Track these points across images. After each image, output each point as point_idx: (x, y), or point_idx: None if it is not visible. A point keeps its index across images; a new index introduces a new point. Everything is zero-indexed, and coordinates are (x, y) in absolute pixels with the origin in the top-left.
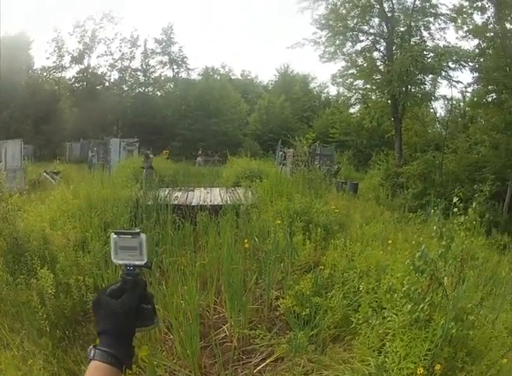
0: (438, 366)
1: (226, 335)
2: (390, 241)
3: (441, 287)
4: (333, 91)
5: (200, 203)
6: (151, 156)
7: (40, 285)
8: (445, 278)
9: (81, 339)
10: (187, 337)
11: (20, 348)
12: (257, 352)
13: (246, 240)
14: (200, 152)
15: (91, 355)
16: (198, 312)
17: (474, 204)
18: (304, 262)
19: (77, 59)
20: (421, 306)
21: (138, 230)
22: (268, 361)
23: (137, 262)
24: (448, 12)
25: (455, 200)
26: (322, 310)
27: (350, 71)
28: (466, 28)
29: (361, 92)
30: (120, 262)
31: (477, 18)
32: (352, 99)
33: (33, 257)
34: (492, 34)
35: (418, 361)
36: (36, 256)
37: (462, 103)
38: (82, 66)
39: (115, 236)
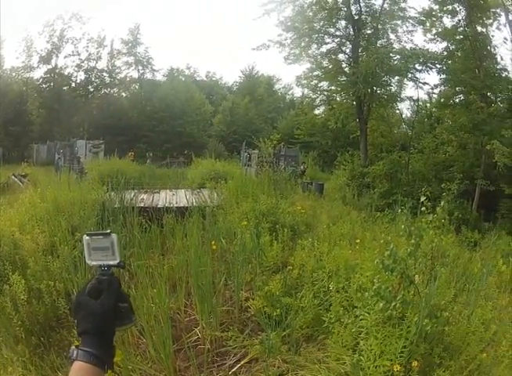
0: (414, 363)
1: (199, 338)
2: (358, 240)
3: (412, 285)
4: (297, 92)
5: (166, 205)
6: (82, 160)
7: (13, 291)
8: (416, 276)
9: (56, 346)
10: (160, 340)
11: None
12: (230, 353)
13: (213, 242)
14: (150, 154)
15: (74, 355)
16: (169, 315)
17: (443, 203)
18: (272, 262)
19: (45, 59)
20: (393, 304)
21: (108, 231)
22: (242, 362)
23: (111, 262)
24: (417, 16)
25: (423, 199)
26: (294, 310)
27: (315, 73)
28: (434, 31)
29: (326, 93)
30: (94, 263)
31: (447, 21)
32: (317, 101)
33: (4, 262)
34: (461, 36)
35: (394, 358)
36: (7, 261)
37: (428, 104)
38: (50, 67)
39: (87, 237)
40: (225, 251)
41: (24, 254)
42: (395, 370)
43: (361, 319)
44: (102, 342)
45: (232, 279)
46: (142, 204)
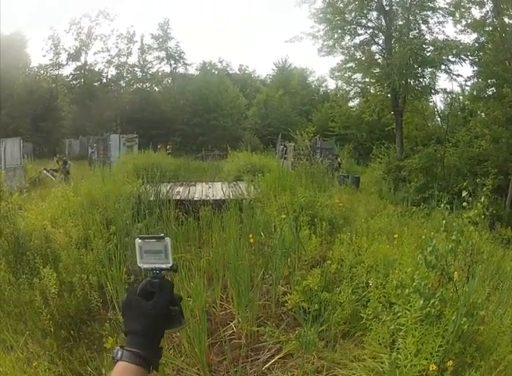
0: (449, 363)
1: (234, 332)
2: (396, 235)
3: (451, 282)
4: (331, 85)
5: (203, 198)
6: (69, 162)
7: (43, 284)
8: (455, 273)
9: (87, 339)
10: (195, 334)
11: (25, 349)
12: (265, 348)
13: (251, 235)
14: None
15: (119, 356)
16: (205, 309)
17: (483, 198)
18: (310, 256)
19: (73, 57)
20: (432, 302)
21: (162, 234)
22: (276, 358)
23: (163, 266)
24: (447, 6)
25: (464, 193)
26: (331, 305)
27: (348, 65)
28: (464, 22)
29: (360, 85)
30: (146, 266)
31: (476, 12)
32: (351, 93)
33: (35, 256)
34: (490, 28)
35: (430, 357)
36: (38, 255)
37: (461, 97)
38: (79, 64)
39: (140, 240)
40: (263, 245)
41: (56, 248)
42: (431, 369)
43: (398, 317)
44: (149, 343)
45: (269, 273)
46: (178, 197)
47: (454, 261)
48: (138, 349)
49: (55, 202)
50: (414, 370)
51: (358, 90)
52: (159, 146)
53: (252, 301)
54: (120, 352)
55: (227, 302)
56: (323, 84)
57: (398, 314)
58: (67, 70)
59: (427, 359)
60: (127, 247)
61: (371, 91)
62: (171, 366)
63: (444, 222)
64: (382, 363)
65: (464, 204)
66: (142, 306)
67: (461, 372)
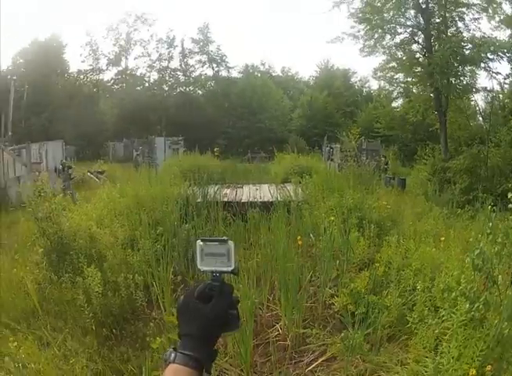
0: (488, 367)
1: (279, 333)
2: (442, 238)
3: (495, 286)
4: (374, 85)
5: (250, 199)
6: (73, 167)
7: (86, 283)
8: (500, 276)
9: (129, 337)
10: (240, 335)
11: (62, 347)
12: (310, 350)
13: (299, 237)
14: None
15: (172, 358)
16: (253, 311)
17: None
18: (358, 259)
19: (113, 62)
20: (476, 305)
21: (225, 238)
22: (320, 360)
23: (224, 269)
24: (480, 2)
25: (510, 195)
26: (378, 309)
27: (390, 64)
28: (497, 18)
29: (402, 85)
30: (207, 269)
31: (507, 8)
32: (394, 93)
33: (79, 255)
34: None
35: (471, 362)
36: (82, 255)
37: (501, 95)
38: (120, 68)
39: (201, 243)
40: (311, 247)
41: (101, 248)
42: (470, 374)
43: (443, 321)
44: (204, 346)
45: (317, 275)
46: (225, 199)
47: (499, 264)
48: (193, 352)
49: (101, 203)
50: (455, 375)
51: (401, 90)
52: (216, 149)
53: (299, 303)
54: (173, 355)
55: (274, 304)
56: (366, 85)
57: (444, 318)
58: (108, 75)
59: (468, 363)
60: (174, 247)
61: (414, 91)
62: (214, 367)
63: (490, 224)
64: (425, 367)
65: (510, 206)
66: (200, 309)
67: None
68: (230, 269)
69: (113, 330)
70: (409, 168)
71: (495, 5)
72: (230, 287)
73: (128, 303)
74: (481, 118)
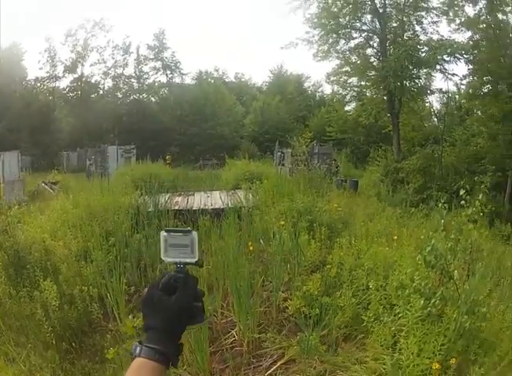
0: (452, 360)
1: (235, 339)
2: (395, 237)
3: (451, 281)
4: (327, 90)
5: (201, 207)
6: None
7: (43, 297)
8: (455, 271)
9: (88, 350)
10: (196, 343)
11: (27, 362)
12: (267, 355)
13: (250, 243)
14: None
15: (137, 352)
16: (207, 317)
17: (481, 196)
18: (310, 262)
19: (70, 69)
20: (432, 301)
21: (189, 228)
22: (279, 364)
23: (188, 260)
24: (440, 6)
25: (462, 192)
26: (332, 309)
27: (344, 69)
28: (458, 21)
29: (356, 89)
30: (170, 260)
31: (469, 10)
32: (348, 97)
33: (35, 269)
34: (484, 25)
35: (433, 356)
36: (38, 268)
37: (457, 96)
38: (76, 76)
39: (165, 233)
40: (262, 252)
41: (56, 261)
42: (434, 368)
43: (399, 318)
44: (170, 339)
45: (269, 279)
46: (176, 207)
47: (454, 260)
48: (158, 346)
49: (55, 215)
50: (417, 370)
51: (355, 94)
52: (167, 157)
53: (253, 309)
54: (138, 348)
55: (228, 310)
56: (319, 90)
57: (400, 315)
58: (64, 83)
59: (429, 358)
60: (126, 258)
61: (367, 94)
62: (172, 375)
63: (442, 221)
64: (384, 364)
65: (462, 202)
66: (165, 301)
67: (465, 369)
68: (194, 260)
69: (73, 344)
70: (361, 170)
71: (456, 8)
72: (195, 279)
73: (84, 316)
74: (435, 119)
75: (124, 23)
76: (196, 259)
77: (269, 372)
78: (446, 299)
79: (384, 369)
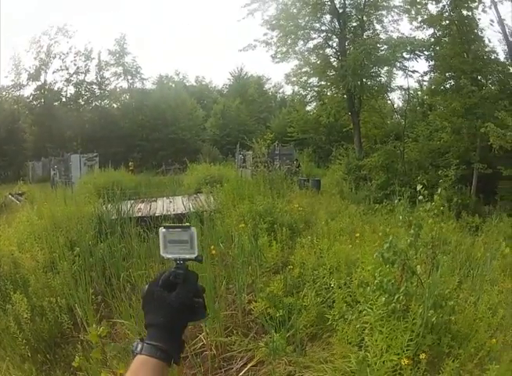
0: (422, 355)
1: (204, 344)
2: (357, 234)
3: (414, 276)
4: (288, 90)
5: (164, 213)
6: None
7: (16, 310)
8: (418, 266)
9: (62, 361)
10: None
11: (7, 375)
12: (237, 357)
13: (212, 247)
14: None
15: (138, 349)
16: None
17: (440, 190)
18: (272, 263)
19: (33, 76)
20: (396, 297)
21: (188, 224)
22: (249, 366)
23: (187, 256)
24: (402, 4)
25: (419, 187)
26: (296, 310)
27: (304, 69)
28: (420, 18)
29: (316, 89)
30: (170, 256)
31: (432, 8)
32: (308, 97)
33: (5, 282)
34: (447, 22)
35: (401, 352)
36: (8, 281)
37: (419, 92)
38: (39, 83)
39: (164, 230)
40: (225, 255)
41: (25, 273)
42: (403, 363)
43: (364, 315)
44: (172, 336)
45: (233, 282)
46: (139, 214)
47: (416, 255)
48: (160, 342)
49: (21, 227)
50: (386, 367)
51: (315, 94)
52: (130, 163)
53: (218, 312)
54: (140, 346)
55: None
56: (280, 91)
57: (363, 312)
58: (28, 91)
59: (397, 354)
60: (92, 268)
61: (327, 94)
62: None
63: (401, 217)
64: (351, 362)
65: (420, 197)
66: (165, 298)
67: (439, 362)
68: (193, 256)
69: (47, 356)
70: (324, 169)
71: (419, 6)
72: (195, 274)
73: (55, 327)
74: (397, 116)
75: (86, 27)
76: (196, 255)
77: (240, 374)
78: (411, 294)
79: (351, 367)
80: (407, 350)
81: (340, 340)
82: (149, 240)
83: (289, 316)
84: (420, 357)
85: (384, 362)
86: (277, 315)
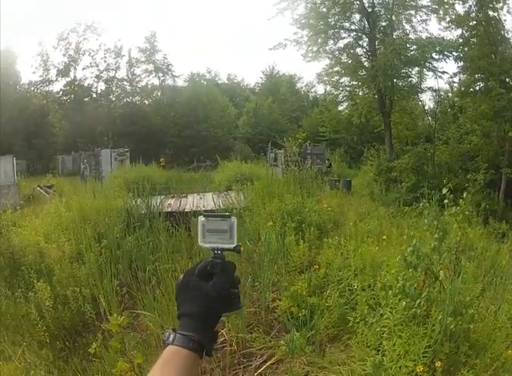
0: (438, 363)
1: (225, 339)
2: (384, 237)
3: (437, 282)
4: (320, 89)
5: (193, 209)
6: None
7: (38, 298)
8: (441, 272)
9: (81, 349)
10: None
11: (22, 360)
12: (257, 355)
13: (240, 244)
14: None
15: (170, 339)
16: None
17: (465, 194)
18: (298, 262)
19: (63, 72)
20: (418, 302)
21: (228, 213)
22: (268, 364)
23: (226, 246)
24: (429, 4)
25: (444, 191)
26: (319, 310)
27: (335, 69)
28: (448, 18)
29: (348, 88)
30: (208, 246)
31: (459, 8)
32: (340, 97)
33: (29, 271)
34: (474, 22)
35: (418, 359)
36: (32, 270)
37: (450, 94)
38: (69, 79)
39: (203, 219)
40: (252, 253)
41: (50, 262)
42: (418, 370)
43: (386, 319)
44: (205, 327)
45: (259, 280)
46: (169, 209)
47: (439, 260)
48: (193, 333)
49: (49, 218)
50: (402, 372)
51: (347, 93)
52: (161, 159)
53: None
54: (172, 336)
55: None
56: (312, 90)
57: (385, 316)
58: (57, 86)
59: (414, 360)
60: (118, 260)
61: (359, 93)
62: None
63: (426, 221)
64: (367, 366)
65: (445, 201)
66: (202, 287)
67: (454, 371)
68: (232, 246)
69: (66, 343)
70: (356, 169)
71: (447, 6)
72: (233, 264)
73: (77, 316)
74: (428, 118)
75: (115, 25)
76: (235, 245)
77: (259, 372)
78: (432, 300)
79: (367, 371)
80: (424, 357)
81: (359, 343)
82: (177, 234)
83: (311, 316)
84: (436, 365)
85: (399, 367)
86: (300, 314)
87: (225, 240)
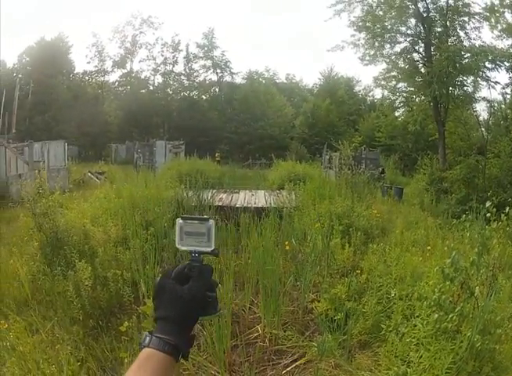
0: None
1: (259, 335)
2: (429, 247)
3: (472, 297)
4: (377, 94)
5: (244, 205)
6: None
7: (77, 277)
8: (477, 287)
9: (114, 330)
10: (218, 335)
11: (50, 334)
12: (288, 353)
13: (287, 242)
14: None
15: (146, 342)
16: (233, 312)
17: (508, 209)
18: (341, 265)
19: (119, 64)
20: (450, 316)
21: (206, 216)
22: (297, 363)
23: (203, 249)
24: (481, 11)
25: (487, 204)
26: (355, 315)
27: (392, 73)
28: (500, 27)
29: (404, 94)
30: (185, 249)
31: (509, 16)
32: (397, 102)
33: (72, 250)
34: None
35: (440, 374)
36: (75, 250)
37: (503, 105)
38: (125, 71)
39: (181, 221)
40: (298, 252)
41: (94, 244)
42: None
43: (418, 330)
44: (181, 331)
45: (301, 280)
46: (220, 203)
47: (477, 275)
48: (169, 336)
49: (97, 203)
50: None
51: (403, 99)
52: (216, 154)
53: (279, 307)
54: (148, 338)
55: (257, 307)
56: (370, 94)
57: (416, 327)
58: (113, 77)
59: (437, 375)
60: (164, 248)
61: (416, 100)
62: (191, 362)
63: (468, 234)
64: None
65: (488, 215)
66: (177, 291)
67: None
68: (210, 249)
69: (100, 322)
70: (409, 177)
71: (497, 14)
72: (210, 268)
73: (115, 298)
74: (483, 129)
75: (173, 21)
76: (212, 248)
77: (287, 370)
78: (464, 316)
79: None
80: (447, 373)
81: (389, 352)
82: (226, 228)
83: (346, 321)
84: None
85: None
86: (336, 318)
87: (203, 243)
